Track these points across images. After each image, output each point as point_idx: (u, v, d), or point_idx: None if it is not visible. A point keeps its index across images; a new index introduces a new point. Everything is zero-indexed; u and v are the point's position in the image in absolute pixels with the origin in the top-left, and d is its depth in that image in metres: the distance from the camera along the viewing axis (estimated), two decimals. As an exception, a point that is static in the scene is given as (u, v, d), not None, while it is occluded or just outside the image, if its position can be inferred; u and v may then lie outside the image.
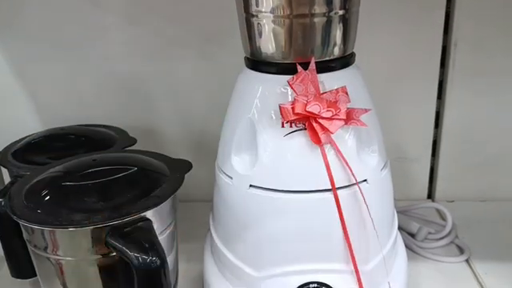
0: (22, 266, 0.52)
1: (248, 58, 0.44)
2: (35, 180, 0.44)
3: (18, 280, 0.53)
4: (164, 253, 0.38)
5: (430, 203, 0.69)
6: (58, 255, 0.40)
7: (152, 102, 0.71)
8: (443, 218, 0.65)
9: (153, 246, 0.38)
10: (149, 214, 0.40)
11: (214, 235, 0.48)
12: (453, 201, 0.72)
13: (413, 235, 0.62)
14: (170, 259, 0.45)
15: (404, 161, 0.71)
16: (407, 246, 0.61)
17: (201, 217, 0.54)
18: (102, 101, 0.71)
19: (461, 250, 0.60)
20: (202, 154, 0.57)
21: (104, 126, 0.64)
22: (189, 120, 0.71)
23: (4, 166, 0.56)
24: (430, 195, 0.74)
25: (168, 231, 0.45)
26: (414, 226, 0.62)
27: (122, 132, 0.62)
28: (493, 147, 0.70)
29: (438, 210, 0.67)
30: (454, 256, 0.59)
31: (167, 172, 0.45)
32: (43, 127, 0.69)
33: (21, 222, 0.40)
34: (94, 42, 0.68)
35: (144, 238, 0.38)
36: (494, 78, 0.66)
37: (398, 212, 0.64)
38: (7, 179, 0.62)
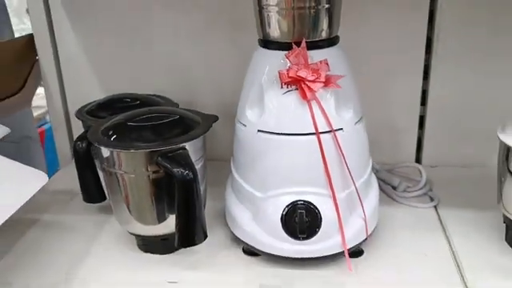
0: (92, 193, 0.71)
1: (260, 39, 0.61)
2: (109, 122, 0.62)
3: (89, 204, 0.72)
4: (196, 169, 0.55)
5: (410, 163, 0.84)
6: (122, 171, 0.59)
7: (191, 77, 0.89)
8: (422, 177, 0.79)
9: (188, 164, 0.55)
10: (186, 145, 0.58)
11: (233, 170, 0.65)
12: (436, 166, 0.86)
13: (394, 187, 0.77)
14: (202, 187, 0.63)
15: (395, 131, 0.86)
16: (389, 196, 0.77)
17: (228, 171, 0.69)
18: (151, 77, 0.89)
19: (431, 200, 0.75)
20: (229, 123, 0.69)
21: (154, 95, 0.81)
22: (220, 92, 0.88)
23: (80, 120, 0.74)
24: (418, 161, 0.88)
25: (200, 164, 0.62)
26: (395, 181, 0.77)
27: (167, 99, 0.80)
28: (470, 122, 0.83)
29: (419, 170, 0.81)
30: (424, 203, 0.74)
31: (200, 121, 0.63)
32: (105, 95, 0.88)
33: (101, 147, 0.58)
34: (146, 30, 0.87)
35: (183, 159, 0.56)
36: (474, 61, 0.80)
37: (385, 170, 0.80)
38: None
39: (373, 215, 0.63)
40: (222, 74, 0.87)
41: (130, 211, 0.61)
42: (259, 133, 0.59)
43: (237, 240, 0.64)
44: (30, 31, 0.92)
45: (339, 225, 0.58)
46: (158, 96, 0.81)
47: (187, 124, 0.61)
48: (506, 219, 0.63)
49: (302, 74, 0.55)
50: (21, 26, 2.14)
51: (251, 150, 0.60)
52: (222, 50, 0.86)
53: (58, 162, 0.99)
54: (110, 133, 0.60)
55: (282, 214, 0.58)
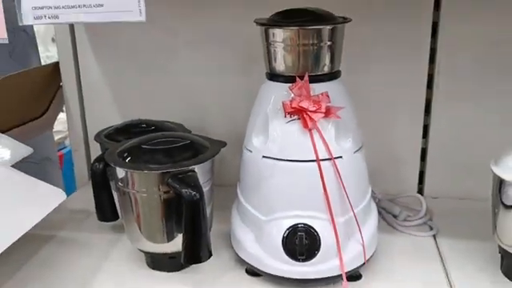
0: (106, 212, 0.75)
1: (267, 72, 0.66)
2: (125, 145, 0.67)
3: (103, 223, 0.76)
4: (202, 190, 0.59)
5: (411, 193, 0.86)
6: (135, 190, 0.63)
7: (204, 106, 0.94)
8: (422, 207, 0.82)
9: (196, 186, 0.60)
10: (195, 168, 0.62)
11: (239, 193, 0.69)
12: (437, 197, 0.88)
13: (395, 216, 0.80)
14: (208, 209, 0.67)
15: (398, 162, 0.89)
16: (390, 224, 0.79)
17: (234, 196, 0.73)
18: (167, 104, 0.94)
19: (430, 229, 0.77)
20: (240, 149, 0.73)
21: (168, 122, 0.86)
22: (231, 121, 0.92)
23: (99, 142, 0.79)
24: (420, 192, 0.91)
25: (207, 187, 0.66)
26: (396, 210, 0.80)
27: (180, 125, 0.85)
28: (471, 156, 0.86)
29: (419, 200, 0.84)
30: (423, 232, 0.76)
31: (209, 146, 0.67)
32: (123, 120, 0.94)
33: (117, 168, 0.63)
34: (165, 62, 0.92)
35: (191, 180, 0.60)
36: (475, 96, 0.84)
37: (387, 200, 0.83)
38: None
39: (371, 241, 0.65)
40: (233, 105, 0.92)
41: (140, 229, 0.66)
42: (264, 158, 0.63)
43: (241, 261, 0.67)
44: (54, 59, 0.99)
45: (337, 248, 0.61)
46: (172, 122, 0.86)
47: (197, 148, 0.66)
48: (500, 250, 0.65)
49: (304, 104, 0.59)
50: (46, 54, 2.24)
51: (256, 174, 0.64)
52: (234, 82, 0.91)
53: (75, 186, 1.04)
54: (126, 155, 0.64)
55: (283, 236, 0.61)
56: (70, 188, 1.42)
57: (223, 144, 0.68)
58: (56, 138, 1.55)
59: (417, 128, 0.88)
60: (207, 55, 0.91)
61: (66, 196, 0.67)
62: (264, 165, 0.63)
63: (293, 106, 0.59)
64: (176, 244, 0.64)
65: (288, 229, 0.61)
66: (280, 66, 0.63)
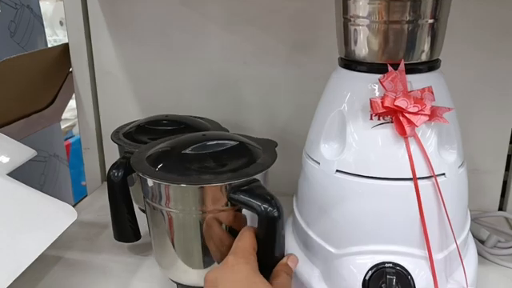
0: (125, 231, 0.60)
1: (342, 58, 0.50)
2: (156, 148, 0.52)
3: (119, 243, 0.61)
4: (281, 205, 0.45)
5: (501, 213, 0.71)
6: (177, 209, 0.48)
7: (241, 101, 0.78)
8: (514, 228, 0.67)
9: (273, 199, 0.45)
10: (258, 177, 0.48)
11: (298, 216, 0.53)
12: (525, 215, 0.73)
13: (482, 242, 0.64)
14: None
15: (477, 172, 0.73)
16: (478, 253, 0.63)
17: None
18: (197, 97, 0.79)
19: (531, 260, 0.62)
20: (283, 151, 0.63)
21: (199, 118, 0.71)
22: (273, 119, 0.77)
23: (117, 144, 0.64)
24: (502, 208, 0.75)
25: None
26: (483, 233, 0.65)
27: (215, 123, 0.69)
28: None
29: (508, 221, 0.68)
30: (523, 264, 0.61)
31: (260, 147, 0.53)
32: (142, 114, 0.79)
33: (150, 179, 0.48)
34: (195, 46, 0.77)
35: (265, 192, 0.46)
36: None
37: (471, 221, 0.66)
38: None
39: (473, 282, 0.50)
40: (274, 97, 0.77)
41: (176, 254, 0.51)
42: (338, 173, 0.47)
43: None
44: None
45: (436, 295, 0.46)
46: (202, 118, 0.71)
47: (249, 151, 0.51)
48: None
49: (402, 103, 0.43)
50: (54, 38, 2.09)
51: (325, 193, 0.49)
52: (276, 71, 0.76)
53: (83, 177, 0.91)
54: (161, 163, 0.49)
55: (365, 279, 0.46)
56: (77, 185, 1.28)
57: (274, 144, 0.54)
58: (62, 126, 1.41)
59: (504, 133, 0.72)
60: (244, 38, 0.75)
61: (76, 215, 0.53)
62: (338, 182, 0.47)
63: (385, 104, 0.43)
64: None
65: (371, 269, 0.46)
66: (361, 50, 0.47)
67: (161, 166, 0.48)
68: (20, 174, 0.58)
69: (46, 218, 0.51)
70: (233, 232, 0.48)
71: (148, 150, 0.52)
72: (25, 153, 0.59)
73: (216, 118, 0.71)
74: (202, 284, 0.46)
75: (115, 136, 0.66)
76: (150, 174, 0.48)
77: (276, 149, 0.54)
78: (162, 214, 0.49)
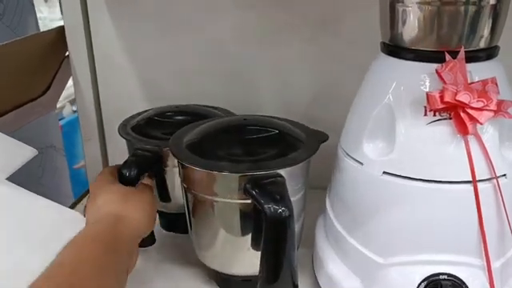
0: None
1: (386, 43, 0.44)
2: (194, 134, 0.50)
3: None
4: (292, 206, 0.41)
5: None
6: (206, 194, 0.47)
7: (254, 86, 0.73)
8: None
9: (283, 199, 0.42)
10: (283, 172, 0.44)
11: (334, 220, 0.48)
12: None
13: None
14: (298, 225, 0.50)
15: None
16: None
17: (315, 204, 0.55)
18: (206, 81, 0.73)
19: None
20: None
21: (214, 107, 0.65)
22: (290, 104, 0.72)
23: (126, 139, 0.58)
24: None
25: (299, 195, 0.48)
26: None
27: (230, 114, 0.64)
28: None
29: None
30: None
31: (304, 139, 0.49)
32: (148, 103, 0.73)
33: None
34: (203, 24, 0.70)
35: (277, 190, 0.42)
36: None
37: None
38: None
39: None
40: (293, 84, 0.71)
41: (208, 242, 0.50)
42: (385, 175, 0.42)
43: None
44: (48, 21, 0.76)
45: (493, 307, 0.42)
46: (216, 108, 0.65)
47: (288, 142, 0.48)
48: None
49: (464, 98, 0.38)
50: (38, 15, 1.99)
51: (370, 197, 0.44)
52: (295, 54, 0.69)
53: (75, 161, 0.83)
54: (198, 148, 0.48)
55: (417, 292, 0.41)
56: (69, 169, 1.21)
57: (324, 136, 0.50)
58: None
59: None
60: (259, 16, 0.68)
61: (84, 222, 0.47)
62: (385, 185, 0.42)
63: (445, 99, 0.38)
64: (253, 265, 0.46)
65: (424, 280, 0.41)
66: (411, 34, 0.42)
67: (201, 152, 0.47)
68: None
69: (53, 230, 0.46)
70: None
71: (187, 135, 0.51)
72: (24, 152, 0.53)
73: (227, 104, 0.66)
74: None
75: (123, 130, 0.60)
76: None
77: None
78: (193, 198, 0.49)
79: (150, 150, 0.55)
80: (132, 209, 0.46)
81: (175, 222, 0.62)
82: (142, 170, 0.52)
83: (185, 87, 0.73)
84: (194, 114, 0.61)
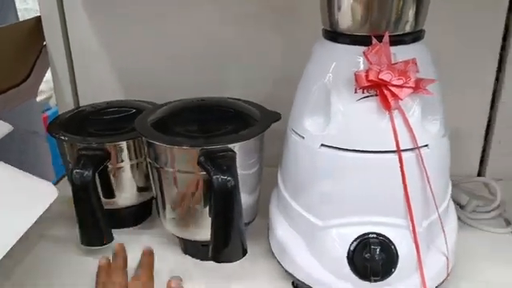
0: (93, 234, 0.57)
1: (326, 29, 0.49)
2: (157, 114, 0.56)
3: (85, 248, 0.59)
4: (237, 178, 0.46)
5: (480, 178, 0.72)
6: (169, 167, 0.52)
7: (222, 74, 0.77)
8: (492, 193, 0.68)
9: (230, 170, 0.46)
10: (237, 147, 0.49)
11: (282, 188, 0.54)
12: (501, 179, 0.74)
13: (462, 206, 0.66)
14: (253, 196, 0.55)
15: (457, 138, 0.74)
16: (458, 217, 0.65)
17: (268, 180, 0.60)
18: (174, 72, 0.77)
19: (508, 223, 0.64)
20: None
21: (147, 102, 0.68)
22: (256, 89, 0.76)
23: (64, 140, 0.60)
24: (480, 173, 0.77)
25: (254, 169, 0.53)
26: (463, 199, 0.66)
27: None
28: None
29: (486, 186, 0.70)
30: (500, 227, 0.63)
31: (259, 118, 0.53)
32: (124, 91, 0.77)
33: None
34: (177, 15, 0.75)
35: (226, 163, 0.47)
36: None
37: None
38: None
39: (454, 248, 0.52)
40: (260, 66, 0.76)
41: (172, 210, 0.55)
42: (322, 148, 0.47)
43: (285, 273, 0.53)
44: (34, 12, 0.80)
45: (418, 263, 0.47)
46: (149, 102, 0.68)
47: (242, 121, 0.53)
48: None
49: (386, 76, 0.43)
50: (24, 7, 2.00)
51: (310, 167, 0.49)
52: (262, 41, 0.74)
53: None
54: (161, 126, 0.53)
55: (349, 250, 0.47)
56: (56, 158, 1.25)
57: (276, 116, 0.55)
58: (38, 99, 1.36)
59: (484, 94, 0.72)
60: (226, 7, 0.73)
61: (57, 193, 0.51)
62: (323, 156, 0.47)
63: (370, 78, 0.43)
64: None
65: (356, 240, 0.47)
66: (346, 20, 0.47)
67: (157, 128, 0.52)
68: (-2, 153, 0.56)
69: (26, 197, 0.50)
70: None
71: (151, 115, 0.56)
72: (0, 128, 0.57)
73: (197, 94, 0.70)
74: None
75: (53, 129, 0.61)
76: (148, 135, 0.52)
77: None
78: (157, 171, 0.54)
79: (97, 147, 0.57)
80: None
81: (123, 219, 0.65)
82: (97, 166, 0.55)
83: (159, 71, 0.77)
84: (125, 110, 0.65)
